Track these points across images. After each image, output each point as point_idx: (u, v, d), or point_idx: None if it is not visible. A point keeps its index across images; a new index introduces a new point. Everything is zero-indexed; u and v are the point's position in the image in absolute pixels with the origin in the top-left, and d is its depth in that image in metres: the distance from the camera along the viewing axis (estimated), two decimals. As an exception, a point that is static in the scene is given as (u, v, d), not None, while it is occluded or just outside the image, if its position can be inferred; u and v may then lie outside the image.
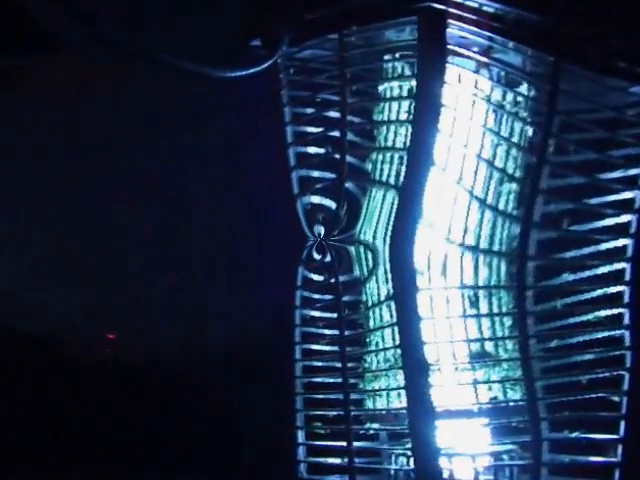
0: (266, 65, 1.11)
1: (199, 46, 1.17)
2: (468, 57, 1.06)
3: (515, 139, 1.09)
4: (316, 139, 1.13)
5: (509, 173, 1.09)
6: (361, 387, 1.13)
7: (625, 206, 1.10)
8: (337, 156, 1.11)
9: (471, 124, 1.08)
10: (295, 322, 1.15)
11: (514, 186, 1.09)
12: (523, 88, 1.10)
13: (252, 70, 1.10)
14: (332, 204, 1.12)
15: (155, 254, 1.31)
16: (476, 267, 1.09)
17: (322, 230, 1.12)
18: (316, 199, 1.14)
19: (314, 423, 1.14)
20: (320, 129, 1.12)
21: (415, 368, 1.05)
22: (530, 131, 1.09)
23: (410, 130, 1.05)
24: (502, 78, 1.09)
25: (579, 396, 1.08)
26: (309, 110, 1.13)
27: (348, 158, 1.11)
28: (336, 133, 1.11)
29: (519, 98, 1.09)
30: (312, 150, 1.13)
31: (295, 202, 1.14)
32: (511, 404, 1.08)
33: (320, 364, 1.14)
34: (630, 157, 1.09)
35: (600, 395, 1.08)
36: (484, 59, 1.06)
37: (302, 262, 1.14)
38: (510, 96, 1.09)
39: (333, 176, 1.12)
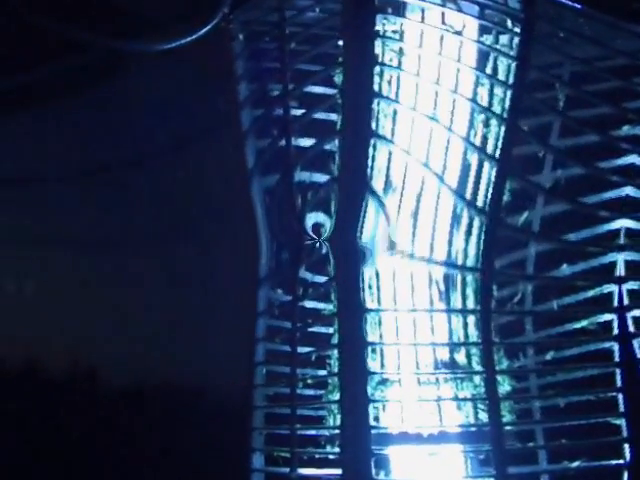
0: (205, 31, 0.97)
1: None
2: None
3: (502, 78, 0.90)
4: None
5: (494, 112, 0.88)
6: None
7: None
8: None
9: (441, 61, 0.89)
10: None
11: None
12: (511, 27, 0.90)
13: (188, 39, 0.97)
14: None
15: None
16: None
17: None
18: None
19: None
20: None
21: (350, 377, 0.86)
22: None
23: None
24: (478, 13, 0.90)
25: (567, 422, 0.85)
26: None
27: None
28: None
29: (503, 38, 0.90)
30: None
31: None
32: (475, 429, 0.86)
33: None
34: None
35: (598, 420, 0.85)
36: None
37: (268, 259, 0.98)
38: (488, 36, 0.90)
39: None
